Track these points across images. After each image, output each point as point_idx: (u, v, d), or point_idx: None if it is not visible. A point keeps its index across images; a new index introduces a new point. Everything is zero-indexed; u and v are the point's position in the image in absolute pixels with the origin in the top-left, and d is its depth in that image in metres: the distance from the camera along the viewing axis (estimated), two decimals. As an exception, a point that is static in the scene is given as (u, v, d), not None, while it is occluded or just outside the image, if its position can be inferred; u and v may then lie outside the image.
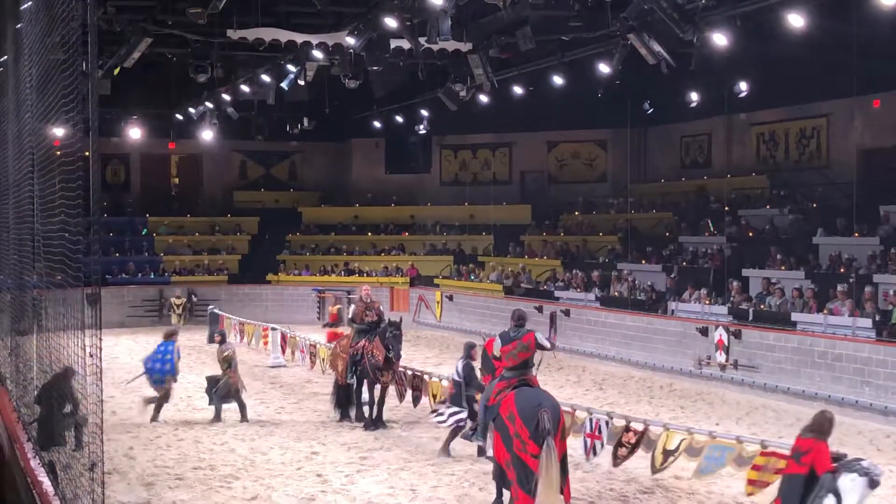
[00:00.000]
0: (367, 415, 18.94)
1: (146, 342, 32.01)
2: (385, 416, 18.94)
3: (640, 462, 16.14)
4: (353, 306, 20.31)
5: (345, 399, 19.44)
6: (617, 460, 14.45)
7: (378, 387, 18.67)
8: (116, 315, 35.31)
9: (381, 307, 20.01)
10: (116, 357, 27.92)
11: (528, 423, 11.82)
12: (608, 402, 21.54)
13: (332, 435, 18.27)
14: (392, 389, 19.14)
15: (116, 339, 31.18)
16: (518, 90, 30.82)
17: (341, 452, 16.88)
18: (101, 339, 9.35)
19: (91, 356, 9.58)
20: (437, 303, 35.07)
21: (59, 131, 11.74)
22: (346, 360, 19.04)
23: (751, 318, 23.90)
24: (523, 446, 11.79)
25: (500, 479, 12.73)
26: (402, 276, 38.09)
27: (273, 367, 26.72)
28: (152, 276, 39.28)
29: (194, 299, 37.96)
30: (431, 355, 28.88)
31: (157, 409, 19.89)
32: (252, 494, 14.25)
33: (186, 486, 14.71)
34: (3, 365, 18.69)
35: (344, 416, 19.41)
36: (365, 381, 18.82)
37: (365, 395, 19.07)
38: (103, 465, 9.40)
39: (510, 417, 12.00)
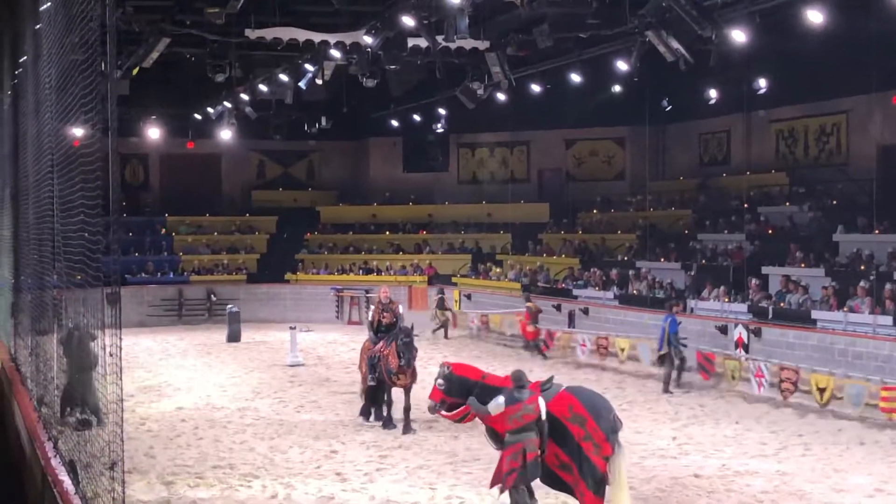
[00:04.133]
0: (385, 414, 18.90)
1: (165, 342, 32.22)
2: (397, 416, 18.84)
3: (658, 461, 16.13)
4: (371, 308, 20.24)
5: (371, 399, 19.32)
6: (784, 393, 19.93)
7: (402, 391, 18.56)
8: (136, 314, 35.41)
9: (400, 308, 19.89)
10: (136, 356, 28.01)
11: (602, 425, 12.10)
12: (627, 401, 21.47)
13: (351, 434, 18.29)
14: None
15: (136, 339, 31.28)
16: (535, 88, 30.77)
17: (360, 451, 16.89)
18: (120, 339, 9.38)
19: (111, 355, 9.61)
20: (456, 301, 35.02)
21: (78, 131, 11.77)
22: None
23: (770, 315, 23.79)
24: (597, 449, 12.01)
25: (552, 482, 12.60)
26: (420, 275, 38.10)
27: (292, 365, 26.76)
28: (171, 276, 39.39)
29: (213, 299, 37.99)
30: (449, 353, 28.80)
31: None
32: (271, 493, 14.27)
33: (206, 485, 14.75)
34: (23, 364, 18.78)
35: (365, 415, 19.31)
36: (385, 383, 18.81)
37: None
38: (123, 464, 9.43)
39: (577, 420, 12.15)
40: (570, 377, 24.50)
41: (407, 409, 18.51)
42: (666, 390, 22.38)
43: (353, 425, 19.03)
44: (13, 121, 21.12)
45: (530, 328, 28.60)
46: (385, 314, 19.24)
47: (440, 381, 13.33)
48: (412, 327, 18.98)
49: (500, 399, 12.31)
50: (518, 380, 12.45)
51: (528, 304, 29.10)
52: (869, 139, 28.77)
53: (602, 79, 29.11)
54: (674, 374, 22.63)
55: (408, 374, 18.42)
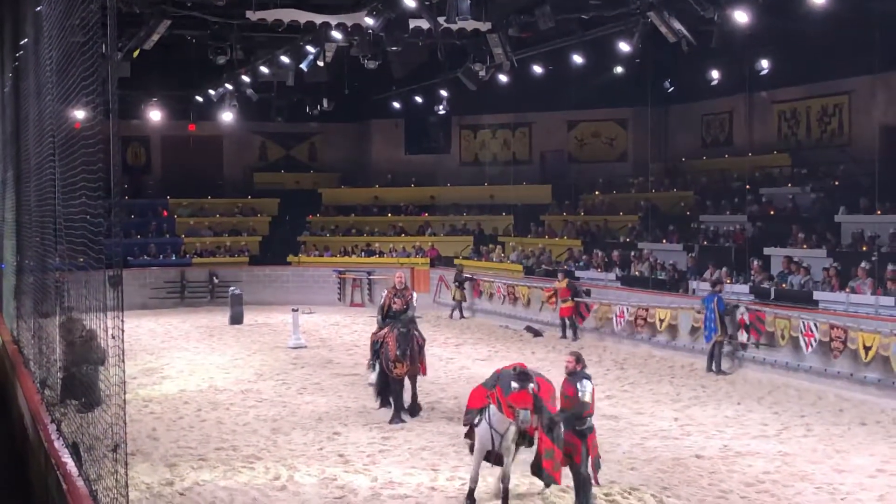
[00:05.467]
0: (393, 409, 18.10)
1: (168, 324, 32.26)
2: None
3: (660, 442, 16.17)
4: (384, 292, 19.41)
5: (384, 387, 18.60)
6: (833, 352, 19.90)
7: (398, 378, 17.89)
8: (138, 297, 35.45)
9: (414, 296, 19.02)
10: (139, 339, 28.05)
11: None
12: (629, 382, 21.53)
13: (353, 416, 18.32)
14: None
15: (138, 321, 31.32)
16: (538, 69, 30.74)
17: (363, 433, 16.93)
18: (123, 321, 9.38)
19: (113, 338, 9.62)
20: (458, 283, 35.04)
21: (79, 114, 11.75)
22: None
23: (772, 296, 23.79)
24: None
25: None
26: (422, 257, 38.09)
27: (294, 347, 26.80)
28: (174, 258, 39.37)
29: (216, 281, 38.00)
30: (451, 336, 28.91)
31: None
32: (274, 475, 14.31)
33: (209, 467, 14.80)
34: (26, 347, 18.80)
35: (384, 404, 18.57)
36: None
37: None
38: (126, 446, 9.45)
39: None
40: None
41: (414, 397, 18.27)
42: (719, 370, 22.39)
43: (355, 407, 19.05)
44: (14, 103, 21.09)
45: (564, 304, 28.38)
46: (396, 300, 18.48)
47: (533, 385, 12.06)
48: (412, 317, 18.27)
49: (587, 382, 12.18)
50: (581, 360, 12.49)
51: (565, 279, 28.88)
52: (871, 120, 28.72)
53: (604, 60, 29.08)
54: (722, 351, 22.68)
55: (405, 364, 17.62)
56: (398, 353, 17.54)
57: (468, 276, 34.02)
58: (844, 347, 19.70)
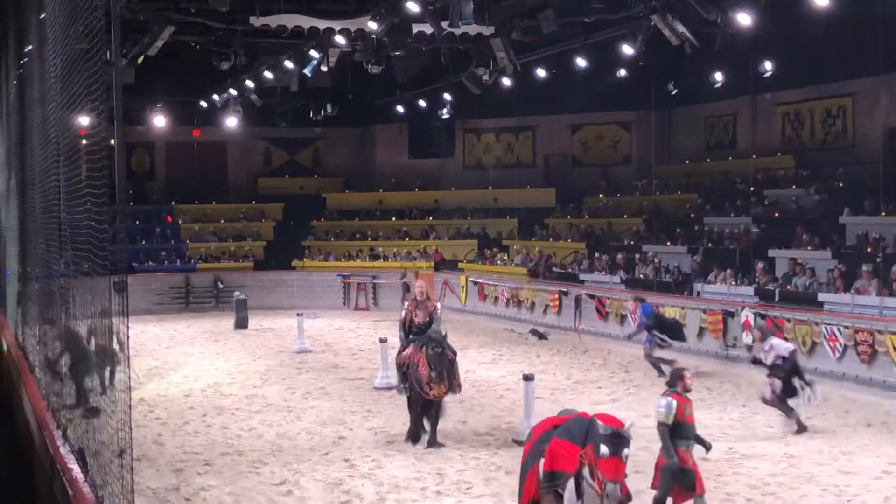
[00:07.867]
0: (429, 432, 16.53)
1: (173, 329, 32.28)
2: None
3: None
4: (405, 305, 17.65)
5: (421, 415, 16.51)
6: (861, 356, 19.64)
7: (435, 399, 16.18)
8: (143, 303, 35.41)
9: (438, 307, 17.67)
10: (144, 344, 28.06)
11: None
12: (634, 385, 21.51)
13: (358, 420, 18.32)
14: None
15: (144, 327, 31.33)
16: (541, 73, 30.77)
17: (368, 437, 16.93)
18: (128, 327, 9.40)
19: (119, 343, 9.64)
20: (462, 287, 35.06)
21: (84, 120, 11.77)
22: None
23: (777, 298, 23.76)
24: None
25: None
26: (426, 261, 38.09)
27: (299, 352, 26.80)
28: (178, 264, 39.39)
29: (220, 286, 38.02)
30: (456, 339, 28.71)
31: None
32: (280, 479, 14.32)
33: (215, 472, 14.81)
34: (31, 353, 18.83)
35: (417, 435, 16.51)
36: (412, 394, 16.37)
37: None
38: (132, 451, 9.46)
39: None
40: (577, 361, 24.59)
41: (435, 421, 16.60)
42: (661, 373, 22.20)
43: (361, 411, 19.06)
44: (19, 110, 21.14)
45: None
46: (418, 312, 16.71)
47: (627, 450, 9.98)
48: (445, 334, 16.59)
49: None
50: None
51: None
52: (875, 121, 28.70)
53: (607, 63, 29.13)
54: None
55: (442, 385, 15.95)
56: (433, 374, 15.82)
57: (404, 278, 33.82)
58: (873, 351, 19.52)
